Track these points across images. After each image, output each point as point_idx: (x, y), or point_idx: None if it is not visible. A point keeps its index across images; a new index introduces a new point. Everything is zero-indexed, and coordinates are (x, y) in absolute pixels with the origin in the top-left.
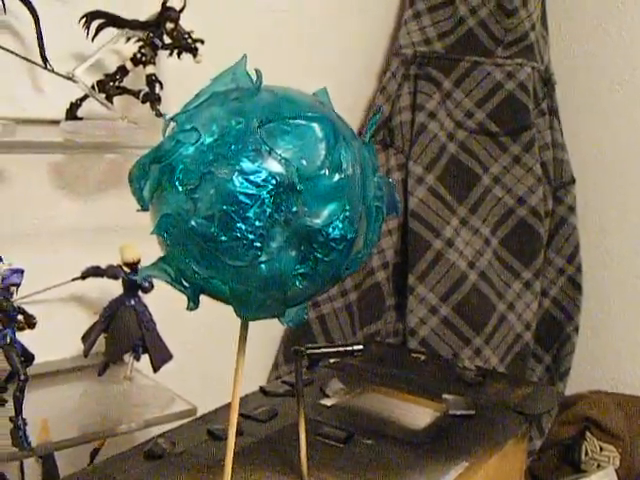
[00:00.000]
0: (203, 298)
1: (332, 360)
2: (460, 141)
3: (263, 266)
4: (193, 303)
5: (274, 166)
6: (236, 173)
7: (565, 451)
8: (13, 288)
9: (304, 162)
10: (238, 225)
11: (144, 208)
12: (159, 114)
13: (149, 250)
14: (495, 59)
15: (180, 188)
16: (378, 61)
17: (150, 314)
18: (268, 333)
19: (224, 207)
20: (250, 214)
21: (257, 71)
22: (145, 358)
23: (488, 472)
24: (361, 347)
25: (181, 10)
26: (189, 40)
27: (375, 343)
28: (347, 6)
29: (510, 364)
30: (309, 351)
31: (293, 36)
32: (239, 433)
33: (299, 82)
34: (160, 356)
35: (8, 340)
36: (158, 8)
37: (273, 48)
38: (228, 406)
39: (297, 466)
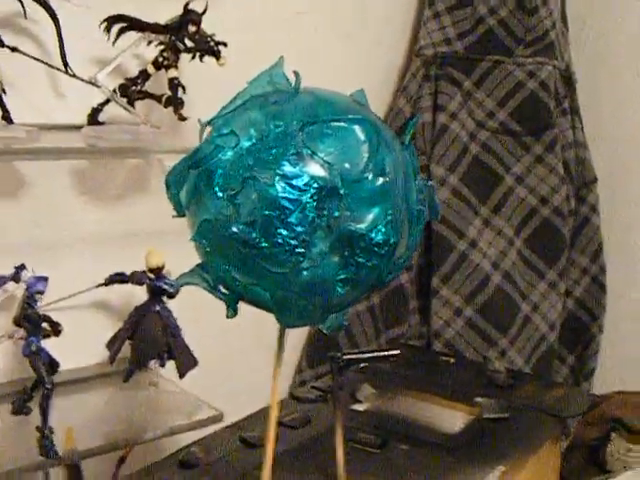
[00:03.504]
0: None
1: (362, 365)
2: (482, 141)
3: (305, 272)
4: (232, 310)
5: (316, 170)
6: (278, 177)
7: (591, 452)
8: (38, 296)
9: (347, 165)
10: (280, 231)
11: (180, 214)
12: (182, 118)
13: (173, 256)
14: (516, 58)
15: (220, 193)
16: (399, 62)
17: (175, 320)
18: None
19: (266, 212)
20: (292, 219)
21: (296, 73)
22: (170, 364)
23: (525, 475)
24: (397, 352)
25: (203, 13)
26: (211, 43)
27: (403, 346)
28: (366, 7)
29: (535, 365)
30: (346, 357)
31: (312, 39)
32: None
33: (319, 85)
34: (186, 362)
35: (34, 348)
36: (179, 11)
37: (291, 52)
38: (259, 412)
39: (333, 473)
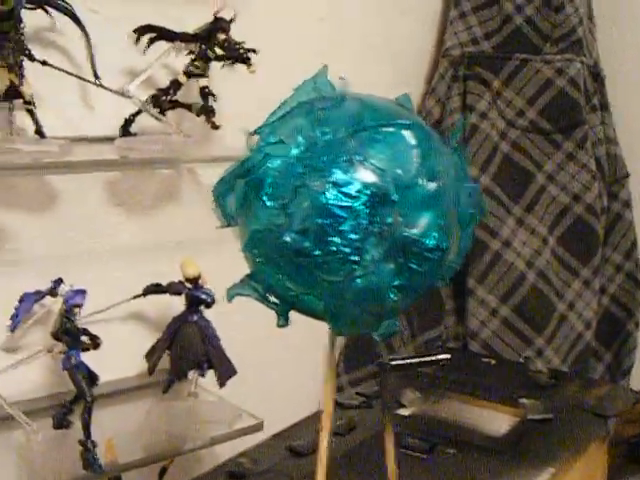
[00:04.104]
0: (265, 311)
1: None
2: (512, 140)
3: (359, 280)
4: (284, 320)
5: (367, 176)
6: (329, 185)
7: (631, 449)
8: (76, 309)
9: (398, 171)
10: (333, 239)
11: (227, 224)
12: (215, 126)
13: (206, 265)
14: (544, 56)
15: (270, 202)
16: (426, 63)
17: (214, 329)
18: (324, 346)
19: (318, 220)
20: (345, 227)
21: (342, 79)
22: (208, 374)
23: (574, 476)
24: (448, 356)
25: (232, 20)
26: (241, 50)
27: (449, 350)
28: (391, 9)
29: (572, 364)
30: (393, 362)
31: (337, 44)
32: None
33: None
34: (225, 371)
35: (73, 361)
36: (205, 20)
37: (316, 57)
38: (305, 421)
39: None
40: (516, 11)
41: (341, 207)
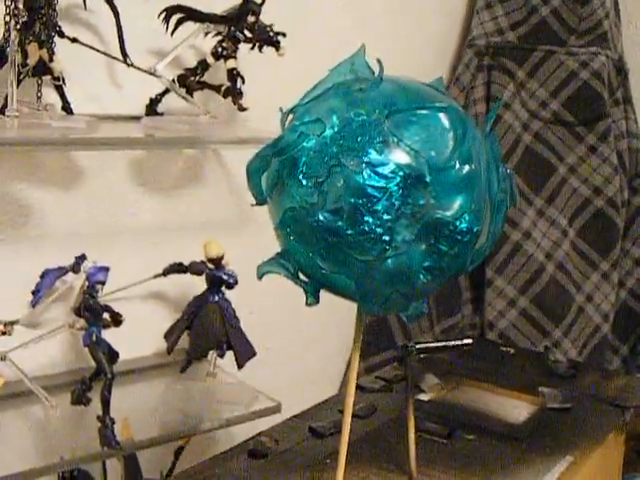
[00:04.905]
0: (286, 294)
1: (422, 355)
2: (535, 131)
3: (390, 260)
4: (313, 298)
5: (402, 157)
6: (364, 165)
7: None
8: (99, 286)
9: (433, 153)
10: (366, 218)
11: (260, 202)
12: (242, 108)
13: (229, 245)
14: (569, 48)
15: (304, 181)
16: (451, 52)
17: (234, 310)
18: (341, 330)
19: (352, 200)
20: (378, 207)
21: (379, 61)
22: (226, 355)
23: (592, 465)
24: (470, 341)
25: (262, 3)
26: (271, 33)
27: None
28: None
29: (588, 356)
30: (418, 346)
31: (363, 30)
32: (339, 430)
33: None
34: (244, 353)
35: (94, 338)
36: (232, 3)
37: (342, 44)
38: (326, 402)
39: (403, 462)
40: (542, 2)
41: (375, 187)
